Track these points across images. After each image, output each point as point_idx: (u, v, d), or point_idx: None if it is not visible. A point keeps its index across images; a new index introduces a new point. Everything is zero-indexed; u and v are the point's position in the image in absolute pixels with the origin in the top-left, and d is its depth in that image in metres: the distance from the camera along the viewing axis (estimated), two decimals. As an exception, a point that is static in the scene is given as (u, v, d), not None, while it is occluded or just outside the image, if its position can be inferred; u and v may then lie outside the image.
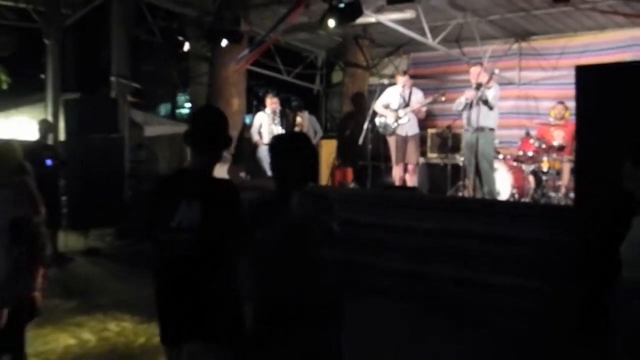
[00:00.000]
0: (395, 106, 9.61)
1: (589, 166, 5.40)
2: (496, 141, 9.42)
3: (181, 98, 25.18)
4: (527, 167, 9.44)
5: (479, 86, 8.58)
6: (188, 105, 22.48)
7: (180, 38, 11.60)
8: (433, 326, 6.02)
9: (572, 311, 5.01)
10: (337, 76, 14.72)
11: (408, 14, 9.53)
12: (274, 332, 2.80)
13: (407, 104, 9.59)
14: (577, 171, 6.10)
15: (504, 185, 9.04)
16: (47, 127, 9.60)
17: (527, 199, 9.11)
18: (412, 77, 10.53)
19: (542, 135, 9.63)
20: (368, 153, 10.02)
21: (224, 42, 10.60)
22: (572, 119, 8.13)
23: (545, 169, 9.33)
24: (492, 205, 7.94)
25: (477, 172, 8.63)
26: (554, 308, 5.59)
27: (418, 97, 9.67)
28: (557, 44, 11.24)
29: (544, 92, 11.20)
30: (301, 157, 3.00)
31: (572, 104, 5.92)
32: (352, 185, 10.62)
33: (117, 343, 5.53)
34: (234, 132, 11.30)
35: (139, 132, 13.75)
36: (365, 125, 9.77)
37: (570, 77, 5.93)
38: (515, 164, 9.42)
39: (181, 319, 2.69)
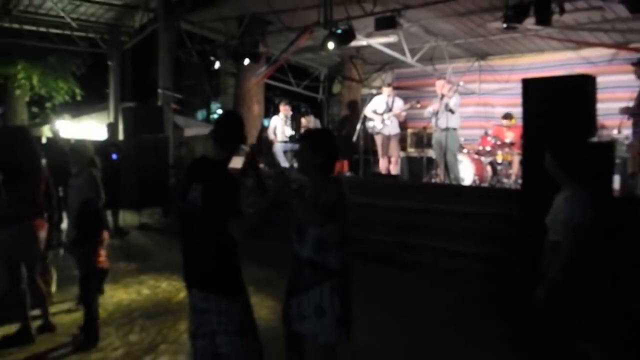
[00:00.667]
0: (381, 111, 9.60)
1: (532, 158, 5.38)
2: (461, 139, 9.44)
3: (214, 105, 25.11)
4: (486, 159, 9.41)
5: (442, 96, 8.67)
6: (219, 111, 22.45)
7: (213, 58, 11.53)
8: (413, 284, 6.07)
9: (521, 271, 5.02)
10: (336, 87, 14.66)
11: (392, 38, 9.48)
12: None
13: (390, 110, 9.59)
14: (524, 162, 6.10)
15: (467, 173, 9.02)
16: (113, 129, 9.67)
17: (485, 184, 9.09)
18: (395, 88, 10.49)
19: (497, 134, 9.61)
20: (360, 148, 9.99)
21: (246, 61, 10.61)
22: (519, 122, 8.09)
23: (499, 161, 9.33)
24: (458, 189, 7.94)
25: (445, 163, 8.63)
26: (507, 269, 5.62)
27: (399, 104, 9.65)
28: (508, 63, 11.16)
29: (498, 100, 11.13)
30: (321, 148, 2.91)
31: (519, 110, 5.94)
32: (347, 174, 10.59)
33: (169, 297, 5.57)
34: (254, 132, 11.31)
35: (180, 132, 13.79)
36: (358, 126, 9.73)
37: (518, 88, 5.90)
38: (476, 156, 9.39)
39: (189, 269, 2.80)
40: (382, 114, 9.56)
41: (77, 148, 5.07)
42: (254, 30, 10.77)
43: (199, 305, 2.73)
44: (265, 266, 5.92)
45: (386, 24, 8.32)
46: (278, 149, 10.34)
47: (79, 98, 15.60)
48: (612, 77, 8.73)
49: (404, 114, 9.67)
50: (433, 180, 9.34)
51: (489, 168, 9.36)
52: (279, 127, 10.52)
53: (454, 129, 8.67)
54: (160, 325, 4.69)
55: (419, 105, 9.54)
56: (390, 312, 5.03)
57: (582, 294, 3.32)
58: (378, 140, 9.77)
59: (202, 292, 2.71)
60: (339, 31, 8.74)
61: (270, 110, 11.80)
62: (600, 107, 5.61)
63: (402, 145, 10.33)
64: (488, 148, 9.45)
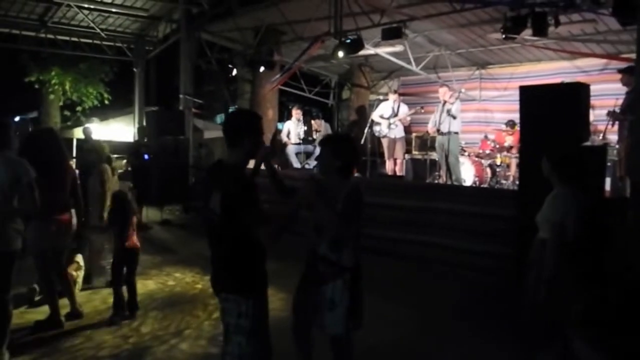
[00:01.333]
0: (387, 116, 9.63)
1: (529, 161, 5.39)
2: (462, 142, 9.43)
3: (231, 110, 25.21)
4: (485, 162, 9.40)
5: (444, 102, 8.66)
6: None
7: (230, 66, 11.59)
8: (413, 277, 6.08)
9: (516, 265, 5.02)
10: (345, 94, 14.67)
11: (398, 48, 9.50)
12: None
13: (396, 114, 9.61)
14: (521, 165, 6.09)
15: (468, 175, 9.00)
16: (143, 132, 9.77)
17: (485, 185, 9.07)
18: (401, 94, 10.54)
19: (497, 138, 9.61)
20: (368, 150, 10.01)
21: (262, 69, 10.69)
22: (518, 128, 8.05)
23: (498, 163, 9.32)
24: (459, 189, 7.93)
25: (447, 165, 8.62)
26: (504, 264, 5.61)
27: (404, 110, 9.69)
28: (507, 71, 11.12)
29: (498, 106, 11.09)
30: (341, 153, 2.91)
31: (517, 116, 5.94)
32: (356, 175, 10.59)
33: (191, 288, 5.63)
34: (269, 135, 11.34)
35: (200, 135, 13.86)
36: (366, 130, 9.75)
37: (516, 95, 5.90)
38: (476, 159, 9.38)
39: (214, 274, 2.68)
40: (388, 119, 9.59)
41: (96, 148, 5.65)
42: (269, 40, 10.83)
43: (222, 306, 2.64)
44: (279, 259, 5.93)
45: (392, 34, 8.36)
46: (291, 150, 10.39)
47: (107, 102, 15.84)
48: (604, 85, 8.70)
49: (408, 118, 9.72)
50: (436, 181, 9.34)
51: (488, 170, 9.34)
52: (292, 130, 10.56)
53: (456, 133, 8.65)
54: (184, 313, 4.80)
55: (423, 111, 9.65)
56: (394, 302, 5.04)
57: (571, 293, 3.28)
58: (384, 143, 9.79)
59: (224, 294, 2.61)
60: (349, 41, 8.78)
61: (284, 114, 11.80)
62: (593, 113, 5.59)
63: (407, 148, 10.33)
64: (488, 151, 9.45)
